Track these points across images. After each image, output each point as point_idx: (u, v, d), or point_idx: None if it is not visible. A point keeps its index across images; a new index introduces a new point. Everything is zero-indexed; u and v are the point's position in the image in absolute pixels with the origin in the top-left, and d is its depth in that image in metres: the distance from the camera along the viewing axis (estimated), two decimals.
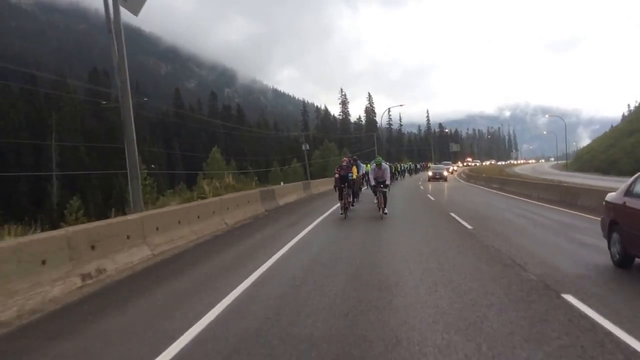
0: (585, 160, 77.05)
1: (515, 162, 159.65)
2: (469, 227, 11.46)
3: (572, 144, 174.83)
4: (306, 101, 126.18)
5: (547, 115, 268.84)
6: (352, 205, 15.59)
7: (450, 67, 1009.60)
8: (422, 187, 32.43)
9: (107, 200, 55.97)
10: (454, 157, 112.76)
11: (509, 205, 18.32)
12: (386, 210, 13.63)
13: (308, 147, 48.41)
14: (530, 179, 33.88)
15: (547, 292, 5.62)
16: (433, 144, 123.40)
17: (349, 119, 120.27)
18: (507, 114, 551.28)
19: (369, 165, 23.93)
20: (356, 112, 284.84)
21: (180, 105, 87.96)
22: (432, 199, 21.82)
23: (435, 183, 38.60)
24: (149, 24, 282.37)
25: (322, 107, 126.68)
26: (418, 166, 73.95)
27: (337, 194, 14.19)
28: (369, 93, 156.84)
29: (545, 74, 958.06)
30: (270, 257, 7.83)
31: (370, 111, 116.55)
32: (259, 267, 7.07)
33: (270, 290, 5.88)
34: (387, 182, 13.80)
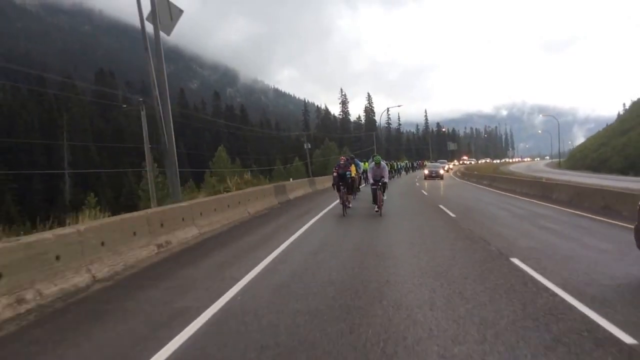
0: (577, 159, 78.87)
1: (510, 160, 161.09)
2: (453, 215, 13.41)
3: (567, 142, 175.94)
4: (306, 100, 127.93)
5: (541, 115, 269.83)
6: (352, 199, 16.39)
7: (449, 66, 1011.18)
8: (417, 184, 34.50)
9: (118, 198, 58.10)
10: (452, 156, 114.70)
11: (493, 199, 20.27)
12: (385, 196, 14.55)
13: (310, 146, 50.56)
14: (515, 176, 35.62)
15: (500, 257, 7.56)
16: (431, 143, 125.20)
17: (349, 119, 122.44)
18: (504, 112, 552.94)
19: (366, 164, 25.38)
20: (356, 111, 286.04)
21: (185, 105, 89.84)
22: (426, 194, 23.84)
23: (430, 180, 40.52)
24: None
25: (322, 107, 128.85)
26: (415, 164, 74.84)
27: (337, 191, 14.93)
28: (368, 94, 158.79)
29: (542, 73, 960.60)
30: (289, 236, 9.76)
31: (369, 111, 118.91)
32: (282, 243, 9.00)
33: (295, 256, 7.83)
34: (385, 179, 14.59)
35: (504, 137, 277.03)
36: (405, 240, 9.45)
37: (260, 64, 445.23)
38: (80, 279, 5.57)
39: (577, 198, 16.66)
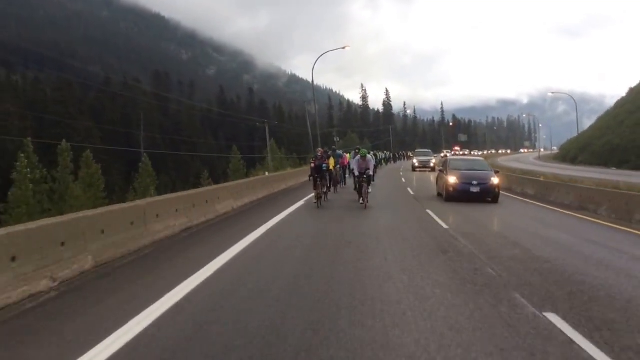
0: (563, 150, 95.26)
1: (496, 151, 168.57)
2: (412, 193, 22.59)
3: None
4: (324, 87, 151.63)
5: (559, 106, 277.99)
6: (328, 193, 18.62)
7: (467, 51, 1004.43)
8: (401, 173, 44.14)
9: (188, 178, 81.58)
10: (462, 147, 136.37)
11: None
12: (370, 189, 16.75)
13: (339, 139, 70.89)
14: None
15: (420, 208, 16.08)
16: (445, 134, 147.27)
17: (369, 110, 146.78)
18: (525, 100, 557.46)
19: (349, 155, 28.40)
20: (373, 96, 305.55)
21: (223, 100, 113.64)
22: (404, 180, 33.73)
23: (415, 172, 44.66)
24: (169, 9, 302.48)
25: (341, 94, 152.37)
26: (397, 155, 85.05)
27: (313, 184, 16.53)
28: (386, 89, 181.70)
29: (569, 59, 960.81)
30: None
31: (387, 105, 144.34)
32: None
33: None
34: (371, 172, 16.50)
35: (526, 126, 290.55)
36: (377, 207, 17.91)
37: (277, 49, 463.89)
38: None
39: None
